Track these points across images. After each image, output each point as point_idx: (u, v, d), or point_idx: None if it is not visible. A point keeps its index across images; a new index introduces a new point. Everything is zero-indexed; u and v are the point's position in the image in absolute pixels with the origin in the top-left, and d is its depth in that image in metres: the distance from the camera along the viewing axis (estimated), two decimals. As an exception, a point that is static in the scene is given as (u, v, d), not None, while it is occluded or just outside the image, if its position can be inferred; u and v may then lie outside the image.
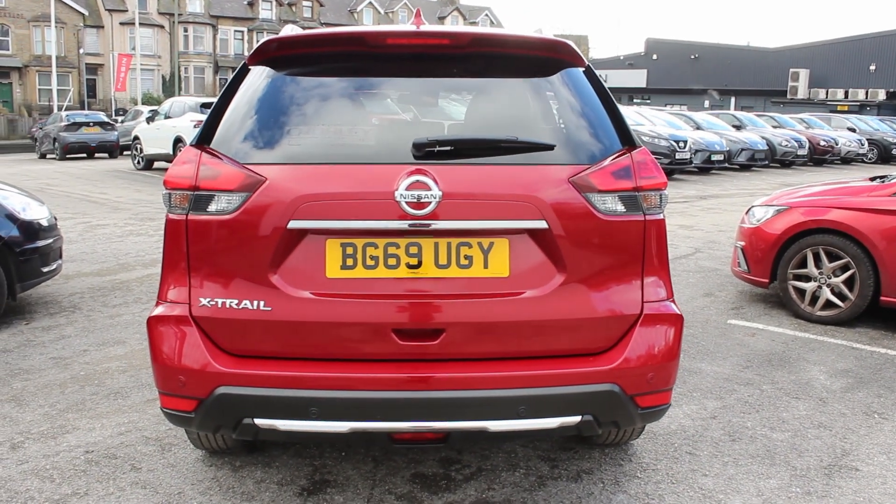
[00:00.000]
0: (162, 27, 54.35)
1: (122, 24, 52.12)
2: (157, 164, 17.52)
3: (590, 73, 2.67)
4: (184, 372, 2.37)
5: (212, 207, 2.37)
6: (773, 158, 20.97)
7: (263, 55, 2.58)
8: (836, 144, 22.89)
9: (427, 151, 2.33)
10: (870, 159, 24.65)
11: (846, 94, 40.32)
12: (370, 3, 67.94)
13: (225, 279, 2.38)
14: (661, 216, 2.55)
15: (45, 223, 5.41)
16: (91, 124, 22.30)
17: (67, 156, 21.74)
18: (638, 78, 49.87)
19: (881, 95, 39.54)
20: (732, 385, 4.19)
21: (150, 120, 17.36)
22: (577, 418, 2.39)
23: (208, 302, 2.38)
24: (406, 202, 2.28)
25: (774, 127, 23.24)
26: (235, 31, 59.26)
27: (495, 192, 2.34)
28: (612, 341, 2.47)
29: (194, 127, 15.10)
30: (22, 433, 3.45)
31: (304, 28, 2.90)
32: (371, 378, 2.31)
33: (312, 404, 2.29)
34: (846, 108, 36.62)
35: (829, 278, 5.38)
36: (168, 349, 2.41)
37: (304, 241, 2.34)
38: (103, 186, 13.76)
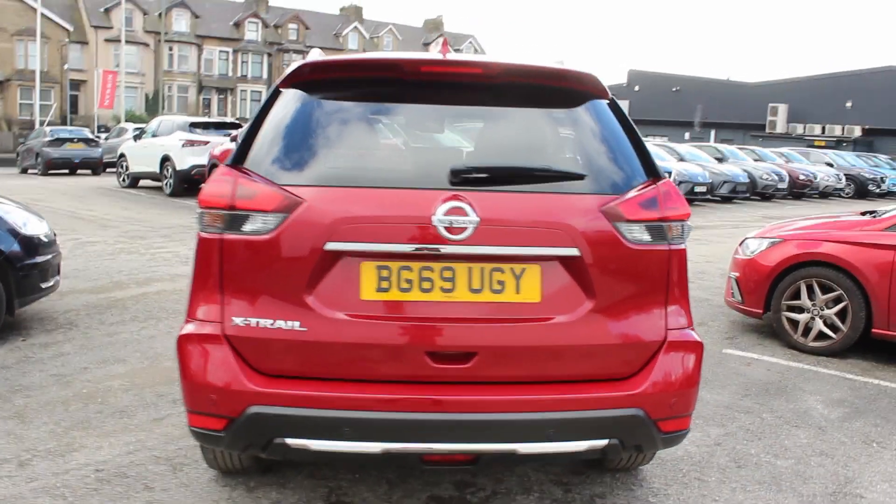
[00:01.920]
0: (147, 45, 54.31)
1: (106, 40, 52.01)
2: (142, 183, 17.42)
3: (614, 106, 2.76)
4: (215, 390, 2.38)
5: (248, 227, 2.39)
6: (754, 191, 21.32)
7: (296, 79, 2.63)
8: (815, 179, 23.35)
9: (463, 177, 2.38)
10: (847, 194, 25.15)
11: (823, 129, 41.21)
12: (356, 27, 68.43)
13: (259, 298, 2.40)
14: (683, 246, 2.62)
15: (44, 239, 5.38)
16: (75, 140, 22.14)
17: (50, 171, 21.54)
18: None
19: (857, 132, 40.47)
20: (733, 413, 4.25)
21: (137, 138, 17.30)
22: (605, 442, 2.44)
23: (241, 321, 2.40)
24: (444, 227, 2.33)
25: (755, 160, 23.66)
26: (220, 51, 59.35)
27: (530, 220, 2.41)
28: (637, 367, 2.52)
29: (182, 146, 15.10)
30: (28, 451, 3.41)
31: (321, 51, 2.95)
32: (404, 399, 2.34)
33: (346, 424, 2.32)
34: (823, 144, 37.35)
35: (822, 310, 5.50)
36: (199, 367, 2.42)
37: (339, 262, 2.37)
38: (90, 203, 13.66)
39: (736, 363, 5.23)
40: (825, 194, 24.21)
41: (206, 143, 15.05)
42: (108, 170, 22.11)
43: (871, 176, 26.10)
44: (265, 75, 62.05)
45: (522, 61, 2.63)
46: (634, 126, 2.75)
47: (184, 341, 2.46)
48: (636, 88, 51.18)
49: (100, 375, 4.46)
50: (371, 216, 2.35)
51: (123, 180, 17.42)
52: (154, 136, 16.43)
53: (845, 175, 25.10)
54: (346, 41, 69.23)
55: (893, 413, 4.39)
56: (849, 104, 40.67)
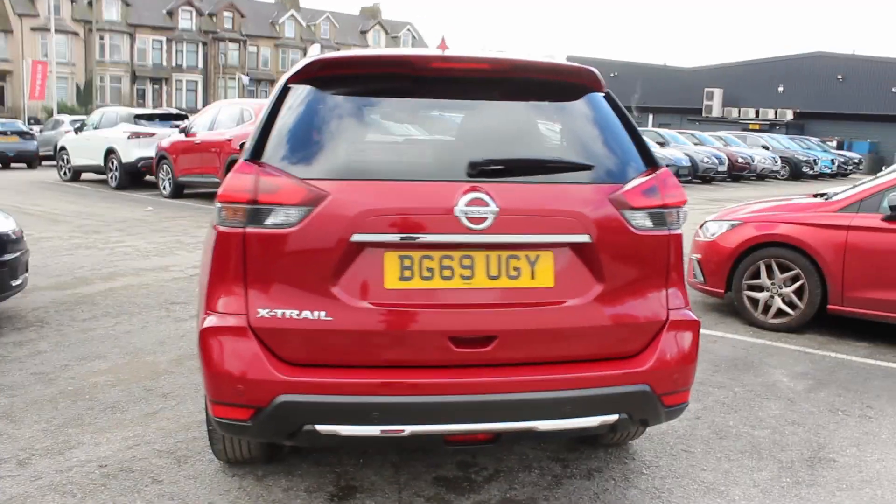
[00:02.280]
0: (76, 34, 52.42)
1: (33, 29, 50.02)
2: (85, 176, 16.91)
3: (609, 98, 2.89)
4: (242, 381, 2.42)
5: (271, 221, 2.44)
6: (696, 174, 21.98)
7: (306, 75, 2.67)
8: (753, 161, 24.22)
9: (480, 169, 2.48)
10: (782, 176, 26.15)
11: (757, 113, 42.64)
12: (292, 15, 67.46)
13: (284, 290, 2.45)
14: (680, 231, 2.78)
15: (12, 236, 5.25)
16: (9, 133, 21.25)
17: (-19, 166, 20.68)
18: None
19: (789, 115, 42.02)
20: (707, 388, 4.47)
21: (78, 130, 16.77)
22: (616, 416, 2.58)
23: (267, 312, 2.44)
24: (466, 217, 2.42)
25: (696, 144, 24.38)
26: (154, 40, 57.69)
27: (545, 209, 2.52)
28: (643, 345, 2.67)
29: (128, 138, 14.73)
30: (25, 449, 3.38)
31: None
32: (429, 383, 2.43)
33: (374, 409, 2.40)
34: (757, 127, 38.70)
35: (781, 288, 5.80)
36: (225, 359, 2.45)
37: (362, 253, 2.44)
38: (34, 198, 13.21)
39: (703, 341, 5.43)
40: (762, 176, 25.14)
41: (153, 134, 14.73)
42: (42, 163, 21.36)
43: (805, 158, 27.21)
44: (200, 64, 60.63)
45: (525, 57, 2.73)
46: (630, 117, 2.89)
47: (208, 334, 2.49)
48: None
49: (82, 372, 4.41)
50: (396, 208, 2.43)
51: (65, 174, 16.88)
52: (96, 128, 15.97)
53: (781, 158, 26.09)
54: (283, 29, 68.18)
55: (853, 383, 4.68)
56: (780, 89, 42.19)
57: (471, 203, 2.43)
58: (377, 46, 76.36)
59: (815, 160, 27.51)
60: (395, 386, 2.42)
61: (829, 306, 5.61)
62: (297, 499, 3.01)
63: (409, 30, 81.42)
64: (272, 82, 67.04)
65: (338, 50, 72.80)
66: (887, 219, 5.35)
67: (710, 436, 3.76)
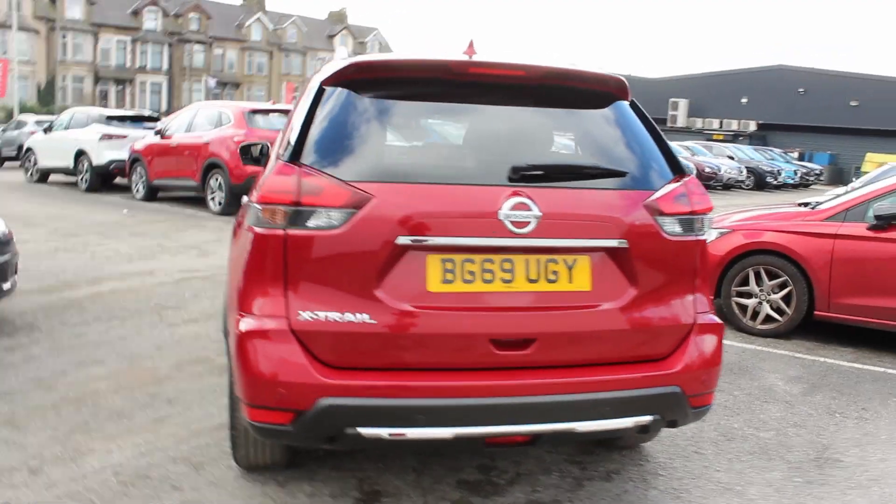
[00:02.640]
0: (37, 32, 51.28)
1: (-9, 26, 48.77)
2: (53, 178, 16.54)
3: (635, 106, 2.94)
4: (284, 385, 2.41)
5: (313, 223, 2.43)
6: (665, 184, 22.27)
7: (342, 77, 2.67)
8: (720, 171, 24.67)
9: (522, 174, 2.51)
10: (747, 186, 26.68)
11: (721, 123, 43.50)
12: (259, 19, 66.91)
13: (326, 293, 2.45)
14: (705, 237, 2.84)
15: (2, 238, 5.13)
16: (-31, 133, 20.72)
17: (-58, 167, 20.10)
18: None
19: (752, 126, 42.96)
20: (707, 391, 4.55)
21: (46, 130, 16.39)
22: (649, 418, 2.63)
23: (309, 315, 2.43)
24: (510, 221, 2.45)
25: (664, 154, 24.69)
26: (118, 40, 56.69)
27: (585, 214, 2.57)
28: (672, 348, 2.73)
29: (100, 140, 14.46)
30: (35, 457, 3.30)
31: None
32: (472, 386, 2.45)
33: (419, 412, 2.41)
34: (721, 137, 39.44)
35: (769, 295, 5.94)
36: (265, 362, 2.44)
37: (405, 256, 2.45)
38: (1, 200, 12.89)
39: (695, 346, 5.57)
40: (728, 186, 25.61)
41: (125, 136, 14.47)
42: (4, 164, 20.84)
43: (769, 169, 27.81)
44: (165, 66, 59.75)
45: (561, 65, 2.77)
46: (655, 125, 2.95)
47: (246, 337, 2.47)
48: None
49: (81, 378, 4.32)
50: (442, 211, 2.45)
51: (32, 175, 16.48)
52: (66, 128, 15.62)
53: (746, 168, 26.63)
54: (250, 32, 67.61)
55: (845, 387, 4.82)
56: (744, 100, 43.10)
57: (515, 207, 2.46)
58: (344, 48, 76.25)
59: (778, 171, 28.14)
60: (440, 389, 2.43)
61: (816, 312, 5.76)
62: (324, 504, 3.00)
63: (375, 36, 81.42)
64: (238, 85, 66.44)
65: (304, 55, 72.68)
66: (872, 228, 5.53)
67: (718, 438, 3.84)
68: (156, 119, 16.14)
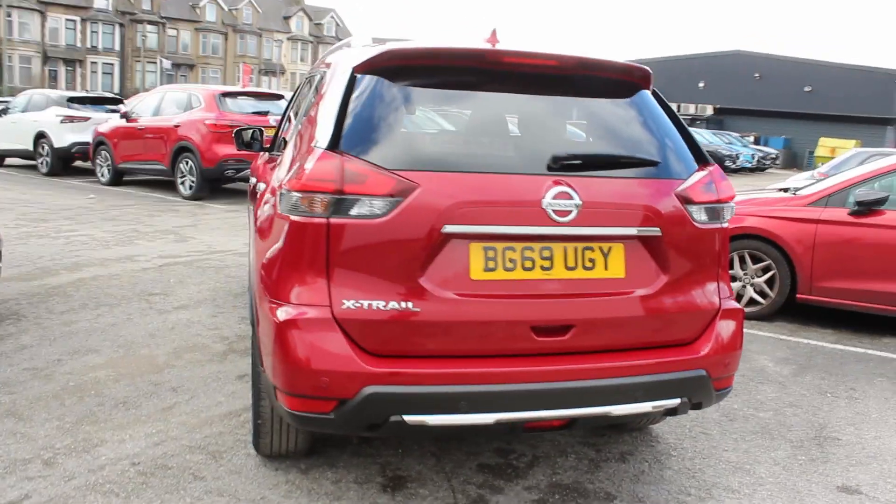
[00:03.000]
0: (-19, 9, 49.35)
1: (-69, 2, 46.79)
2: (9, 161, 16.02)
3: (657, 95, 2.99)
4: (327, 374, 2.40)
5: (357, 211, 2.42)
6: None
7: (375, 65, 2.65)
8: (681, 156, 25.03)
9: (562, 163, 2.54)
10: (706, 170, 27.14)
11: (678, 108, 44.10)
12: (213, -1, 65.50)
13: (370, 281, 2.44)
14: (727, 225, 2.91)
15: (-14, 225, 4.97)
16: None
17: None
18: None
19: (709, 111, 43.69)
20: (702, 373, 4.67)
21: (2, 113, 15.85)
22: (678, 400, 2.69)
23: (353, 304, 2.43)
24: (553, 210, 2.48)
25: (627, 139, 25.00)
26: (67, 19, 54.88)
27: (622, 202, 2.61)
28: (699, 332, 2.79)
29: (61, 122, 14.04)
30: (46, 448, 3.23)
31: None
32: (514, 372, 2.47)
33: (462, 399, 2.42)
34: (679, 122, 39.97)
35: (753, 278, 6.09)
36: (308, 351, 2.42)
37: (448, 244, 2.46)
38: (-42, 184, 12.46)
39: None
40: (688, 171, 26.03)
41: (87, 119, 14.09)
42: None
43: (728, 153, 28.36)
44: (117, 47, 58.09)
45: (590, 55, 2.79)
46: (677, 114, 3.00)
47: (286, 326, 2.45)
48: None
49: (79, 367, 4.23)
50: (487, 200, 2.46)
51: (-14, 159, 15.94)
52: (24, 111, 15.12)
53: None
54: (204, 13, 66.16)
55: (831, 367, 4.98)
56: (701, 84, 43.76)
57: (557, 196, 2.48)
58: (300, 33, 75.25)
59: (736, 155, 28.72)
60: (482, 375, 2.45)
61: (798, 295, 5.93)
62: (350, 490, 3.00)
63: (332, 17, 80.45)
64: (192, 67, 65.01)
65: (259, 36, 71.42)
66: (853, 213, 5.70)
67: (721, 419, 3.95)
68: (118, 101, 15.73)
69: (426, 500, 2.96)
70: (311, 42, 77.53)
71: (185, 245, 7.97)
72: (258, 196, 3.78)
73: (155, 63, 59.60)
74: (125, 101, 15.65)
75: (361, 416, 2.43)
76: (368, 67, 2.66)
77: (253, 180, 5.24)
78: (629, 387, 2.59)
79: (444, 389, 2.42)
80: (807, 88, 40.41)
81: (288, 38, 75.38)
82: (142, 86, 56.60)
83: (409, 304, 2.43)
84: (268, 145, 5.15)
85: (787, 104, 40.62)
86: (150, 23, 60.83)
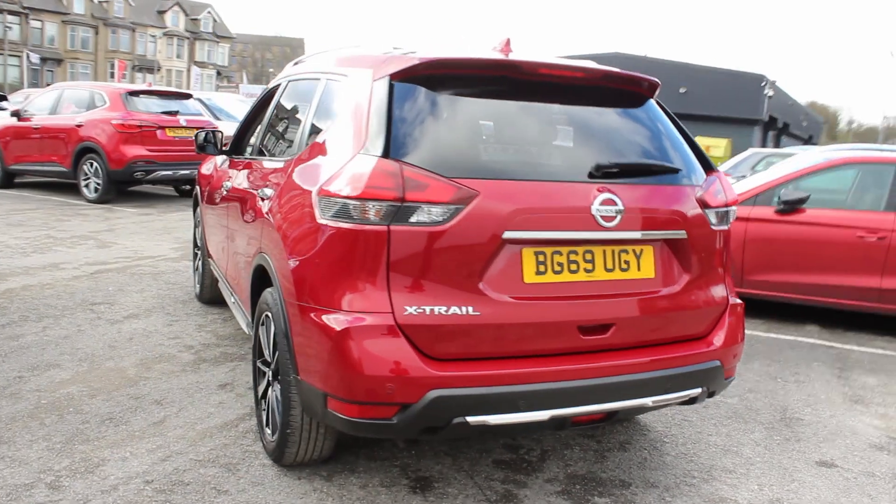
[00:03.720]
0: None
1: None
2: None
3: (660, 105, 3.19)
4: (392, 380, 2.42)
5: (417, 218, 2.45)
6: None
7: (412, 73, 2.68)
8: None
9: (604, 171, 2.68)
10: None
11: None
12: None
13: (431, 287, 2.48)
14: (730, 227, 3.15)
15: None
16: None
17: None
18: None
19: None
20: (662, 364, 4.97)
21: None
22: (699, 390, 2.90)
23: (415, 310, 2.46)
24: (601, 216, 2.62)
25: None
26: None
27: (656, 207, 2.79)
28: (712, 326, 3.01)
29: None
30: (44, 471, 3.05)
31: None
32: (565, 370, 2.59)
33: (521, 398, 2.51)
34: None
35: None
36: (372, 358, 2.43)
37: (503, 249, 2.54)
38: None
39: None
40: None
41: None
42: None
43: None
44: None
45: (612, 68, 2.94)
46: (678, 121, 3.21)
47: (347, 334, 2.44)
48: None
49: (45, 384, 3.98)
50: (543, 207, 2.56)
51: None
52: None
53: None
54: (71, 4, 62.50)
55: (772, 354, 5.41)
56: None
57: (604, 203, 2.63)
58: (175, 29, 72.47)
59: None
60: (537, 374, 2.55)
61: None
62: (381, 494, 3.01)
63: (210, 12, 77.99)
64: (60, 62, 61.17)
65: (133, 31, 68.01)
66: (778, 211, 6.20)
67: (696, 406, 4.22)
68: (2, 98, 14.62)
69: (457, 498, 3.02)
70: (188, 38, 74.77)
71: (109, 251, 7.57)
72: (246, 199, 3.71)
73: (18, 56, 55.72)
74: (9, 98, 14.57)
75: (424, 420, 2.47)
76: (408, 75, 2.69)
77: (229, 181, 5.09)
78: (662, 379, 2.76)
79: (504, 390, 2.50)
80: (682, 90, 42.87)
81: (164, 34, 72.36)
82: (4, 80, 52.62)
83: (470, 309, 2.49)
84: (226, 148, 5.04)
85: (665, 105, 42.84)
86: (11, 13, 56.75)
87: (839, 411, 4.30)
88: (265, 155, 3.97)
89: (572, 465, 3.38)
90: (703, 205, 2.94)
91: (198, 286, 5.85)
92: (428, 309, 2.47)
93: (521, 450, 3.49)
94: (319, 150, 2.96)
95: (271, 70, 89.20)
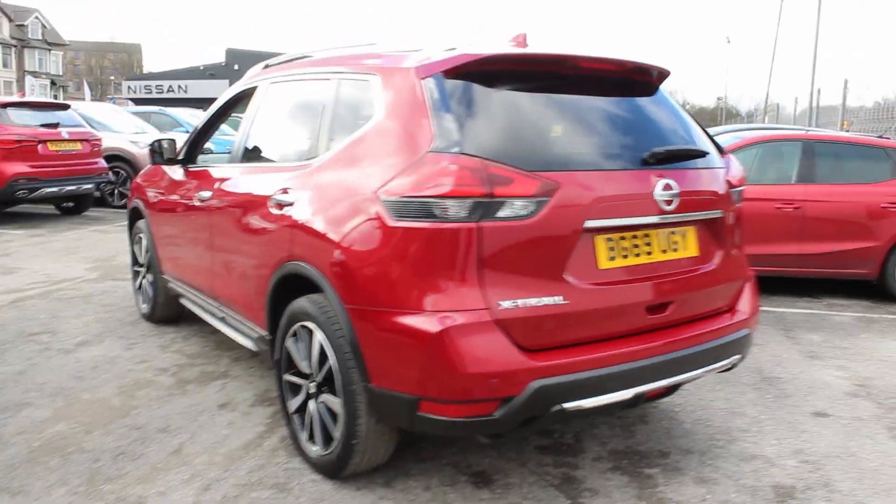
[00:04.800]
0: None
1: None
2: None
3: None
4: (496, 375, 2.43)
5: (505, 213, 2.46)
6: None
7: (464, 69, 2.69)
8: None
9: (658, 158, 2.80)
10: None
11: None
12: None
13: (521, 280, 2.50)
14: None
15: None
16: None
17: None
18: (220, 88, 48.76)
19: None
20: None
21: None
22: (737, 357, 3.12)
23: (510, 304, 2.47)
24: (662, 200, 2.75)
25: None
26: None
27: (702, 189, 2.98)
28: (738, 297, 3.23)
29: None
30: (80, 517, 2.81)
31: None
32: (641, 349, 2.70)
33: (609, 379, 2.60)
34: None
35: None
36: (474, 356, 2.42)
37: (581, 238, 2.61)
38: None
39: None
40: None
41: None
42: None
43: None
44: None
45: (641, 59, 3.07)
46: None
47: (446, 335, 2.42)
48: (236, 67, 49.89)
49: (27, 424, 3.63)
50: (617, 195, 2.66)
51: None
52: None
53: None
54: None
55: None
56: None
57: (664, 188, 2.76)
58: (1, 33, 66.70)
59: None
60: (619, 356, 2.64)
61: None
62: (448, 493, 3.00)
63: (37, 18, 72.49)
64: None
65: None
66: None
67: (683, 375, 4.48)
68: None
69: (522, 487, 3.06)
70: (15, 46, 69.01)
71: (18, 277, 6.92)
72: (248, 207, 3.54)
73: None
74: None
75: (526, 411, 2.50)
76: (460, 72, 2.70)
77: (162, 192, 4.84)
78: (712, 350, 2.95)
79: (595, 373, 2.57)
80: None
81: (-12, 42, 66.42)
82: None
83: (558, 298, 2.54)
84: (180, 157, 4.76)
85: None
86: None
87: (804, 367, 4.71)
88: (259, 161, 3.81)
89: (608, 442, 3.51)
90: (731, 185, 3.14)
91: (145, 305, 5.49)
92: (521, 302, 2.49)
93: (555, 434, 3.58)
94: (358, 151, 2.89)
95: (112, 78, 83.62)
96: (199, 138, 4.72)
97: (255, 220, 3.50)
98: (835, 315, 6.21)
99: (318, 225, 2.94)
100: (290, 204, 3.17)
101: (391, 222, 2.58)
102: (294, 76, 3.72)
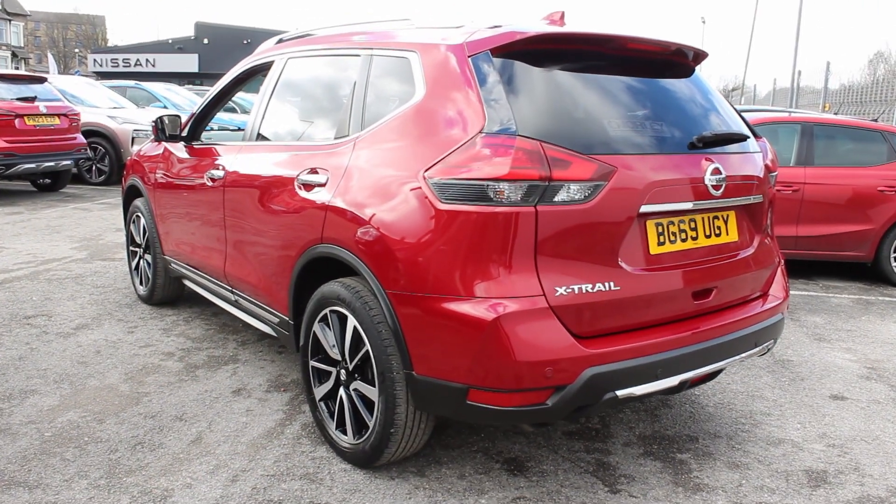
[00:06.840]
0: None
1: None
2: None
3: None
4: (551, 363, 2.37)
5: (562, 197, 2.39)
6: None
7: (513, 48, 2.59)
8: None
9: (706, 142, 2.74)
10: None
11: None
12: None
13: (576, 266, 2.44)
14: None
15: None
16: None
17: None
18: (189, 62, 47.69)
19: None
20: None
21: None
22: (773, 341, 3.10)
23: (565, 290, 2.41)
24: (712, 185, 2.70)
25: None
26: None
27: (746, 174, 2.92)
28: (771, 282, 3.20)
29: None
30: (108, 511, 2.71)
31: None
32: (687, 335, 2.65)
33: (658, 366, 2.55)
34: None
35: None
36: (530, 344, 2.35)
37: (634, 223, 2.54)
38: None
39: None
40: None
41: None
42: None
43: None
44: None
45: (682, 41, 2.99)
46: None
47: (502, 322, 2.34)
48: (205, 41, 48.72)
49: (35, 414, 3.49)
50: (671, 179, 2.59)
51: None
52: None
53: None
54: None
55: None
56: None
57: (713, 172, 2.71)
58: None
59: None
60: (669, 342, 2.59)
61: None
62: (485, 482, 2.95)
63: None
64: None
65: None
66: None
67: (697, 358, 4.48)
68: None
69: (558, 474, 3.03)
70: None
71: (2, 257, 6.69)
72: (270, 186, 3.42)
73: None
74: None
75: (580, 399, 2.44)
76: (508, 50, 2.60)
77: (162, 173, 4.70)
78: (752, 335, 2.92)
79: (646, 360, 2.52)
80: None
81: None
82: None
83: (612, 284, 2.49)
84: (183, 133, 4.60)
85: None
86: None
87: (814, 350, 4.74)
88: (280, 139, 3.67)
89: (635, 427, 3.48)
90: (769, 169, 3.11)
91: (142, 287, 5.33)
92: (576, 288, 2.43)
93: (581, 419, 3.55)
94: (399, 130, 2.78)
95: (77, 51, 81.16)
96: (205, 115, 4.56)
97: (277, 201, 3.37)
98: (832, 297, 6.28)
99: (355, 207, 2.83)
100: (322, 185, 3.05)
101: (439, 205, 2.49)
102: (316, 51, 3.58)
